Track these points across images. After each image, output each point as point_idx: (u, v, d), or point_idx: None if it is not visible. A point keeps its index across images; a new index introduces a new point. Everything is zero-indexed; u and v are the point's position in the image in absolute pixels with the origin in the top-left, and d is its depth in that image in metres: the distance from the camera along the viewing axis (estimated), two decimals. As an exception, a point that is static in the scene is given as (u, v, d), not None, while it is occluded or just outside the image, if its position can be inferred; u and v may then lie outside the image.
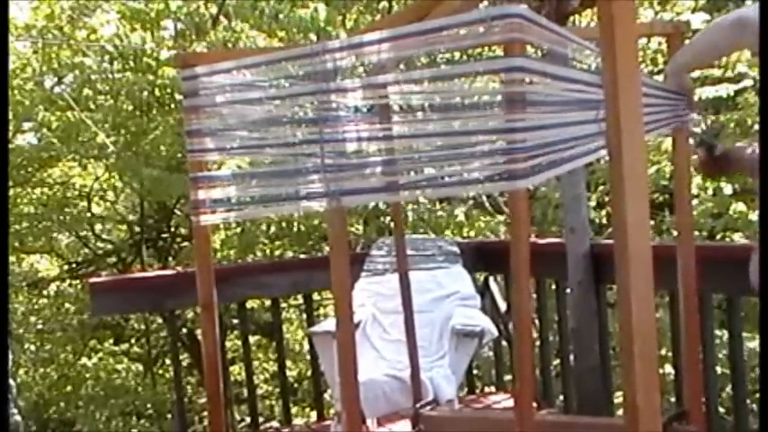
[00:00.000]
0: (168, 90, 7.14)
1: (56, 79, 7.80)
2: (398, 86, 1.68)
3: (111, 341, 9.05)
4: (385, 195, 1.75)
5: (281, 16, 7.05)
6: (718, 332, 3.68)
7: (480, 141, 1.55)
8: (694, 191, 5.71)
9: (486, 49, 4.64)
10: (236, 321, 6.21)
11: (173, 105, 7.27)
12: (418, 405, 3.13)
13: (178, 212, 8.11)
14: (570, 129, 1.63)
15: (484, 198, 7.24)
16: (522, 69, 1.46)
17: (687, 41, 2.50)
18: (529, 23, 1.46)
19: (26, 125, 7.82)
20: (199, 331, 7.58)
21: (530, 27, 1.47)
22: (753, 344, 3.90)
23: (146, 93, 7.19)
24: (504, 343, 4.62)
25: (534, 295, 4.40)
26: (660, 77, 2.69)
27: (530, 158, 1.48)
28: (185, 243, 8.24)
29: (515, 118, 1.46)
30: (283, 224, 7.47)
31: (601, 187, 6.76)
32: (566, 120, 1.64)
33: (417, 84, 1.68)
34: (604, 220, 6.79)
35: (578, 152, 1.67)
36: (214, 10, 7.40)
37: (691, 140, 2.48)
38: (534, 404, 4.27)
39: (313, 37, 6.87)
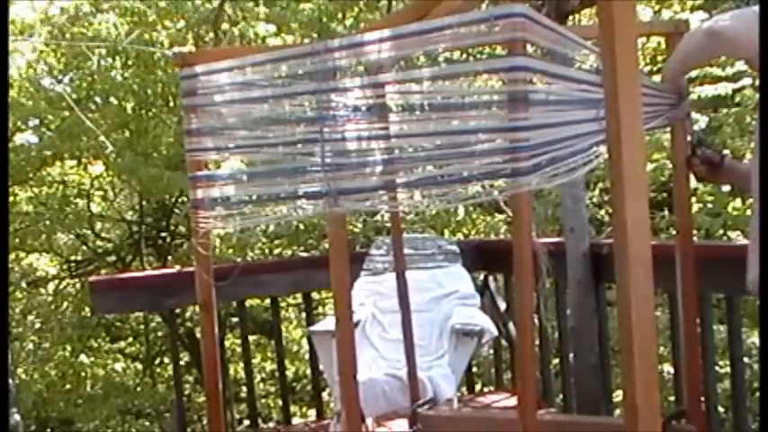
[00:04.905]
0: (169, 88, 7.13)
1: (56, 78, 7.78)
2: (398, 86, 1.68)
3: (110, 340, 9.05)
4: (384, 194, 1.75)
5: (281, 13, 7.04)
6: (717, 329, 3.68)
7: (481, 140, 1.56)
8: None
9: (486, 48, 4.62)
10: (235, 320, 6.21)
11: (172, 104, 7.26)
12: (416, 405, 3.13)
13: (177, 211, 8.10)
14: (571, 127, 1.64)
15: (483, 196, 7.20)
16: (525, 69, 1.47)
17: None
18: (532, 23, 1.47)
19: (24, 124, 7.79)
20: (198, 330, 7.60)
21: (532, 26, 1.47)
22: (752, 339, 3.89)
23: (147, 91, 7.17)
24: (503, 342, 4.61)
25: (534, 294, 4.40)
26: (658, 77, 2.69)
27: (532, 156, 1.48)
28: (185, 242, 8.23)
29: (518, 116, 1.47)
30: (282, 222, 7.45)
31: (600, 184, 6.75)
32: (566, 118, 1.64)
33: (417, 83, 1.68)
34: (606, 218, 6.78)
35: (578, 149, 1.67)
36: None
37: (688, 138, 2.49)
38: (533, 403, 4.28)
39: (314, 35, 6.86)
